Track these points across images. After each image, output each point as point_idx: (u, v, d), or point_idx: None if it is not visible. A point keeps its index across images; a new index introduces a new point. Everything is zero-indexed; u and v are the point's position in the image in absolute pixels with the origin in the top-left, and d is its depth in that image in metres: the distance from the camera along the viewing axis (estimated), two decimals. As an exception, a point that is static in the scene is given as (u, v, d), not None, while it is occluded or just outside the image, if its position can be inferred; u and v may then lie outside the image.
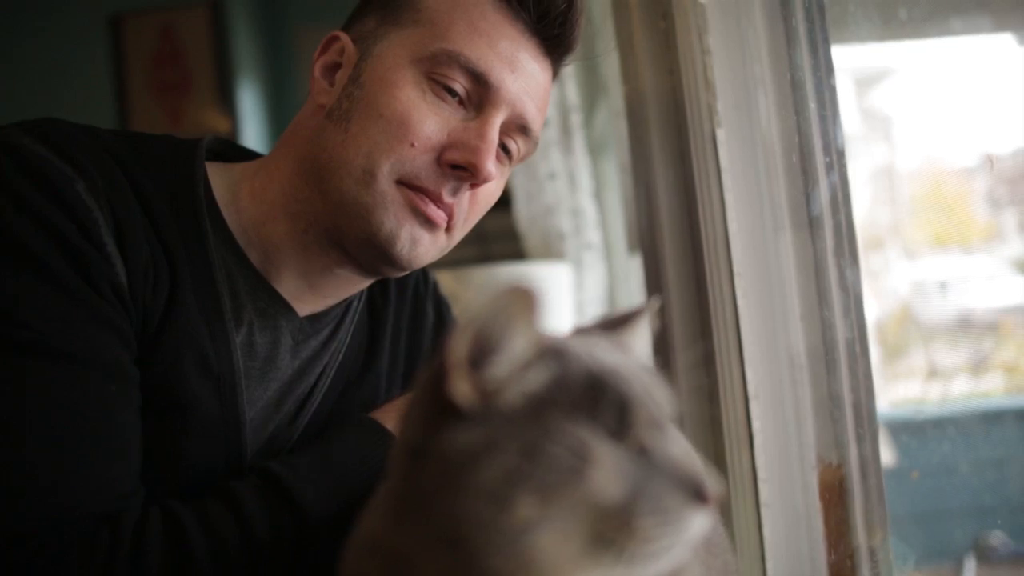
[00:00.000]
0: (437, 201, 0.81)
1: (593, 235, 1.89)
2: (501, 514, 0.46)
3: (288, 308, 0.86)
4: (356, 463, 0.78)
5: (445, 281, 1.15)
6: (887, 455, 1.09)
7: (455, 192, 0.82)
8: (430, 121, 0.80)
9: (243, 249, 0.84)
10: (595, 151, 2.07)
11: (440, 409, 0.50)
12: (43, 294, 0.68)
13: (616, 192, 1.99)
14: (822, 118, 0.88)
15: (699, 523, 0.49)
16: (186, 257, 0.78)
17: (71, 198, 0.71)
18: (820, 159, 0.88)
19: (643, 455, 0.49)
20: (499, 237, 2.02)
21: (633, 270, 1.87)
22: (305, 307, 0.89)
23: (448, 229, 0.84)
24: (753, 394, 0.91)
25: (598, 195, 2.02)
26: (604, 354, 0.52)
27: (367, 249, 0.82)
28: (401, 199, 0.80)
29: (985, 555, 1.18)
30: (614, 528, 0.47)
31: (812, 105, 0.88)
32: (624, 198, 1.59)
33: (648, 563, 0.48)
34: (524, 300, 0.49)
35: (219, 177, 0.86)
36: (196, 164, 0.83)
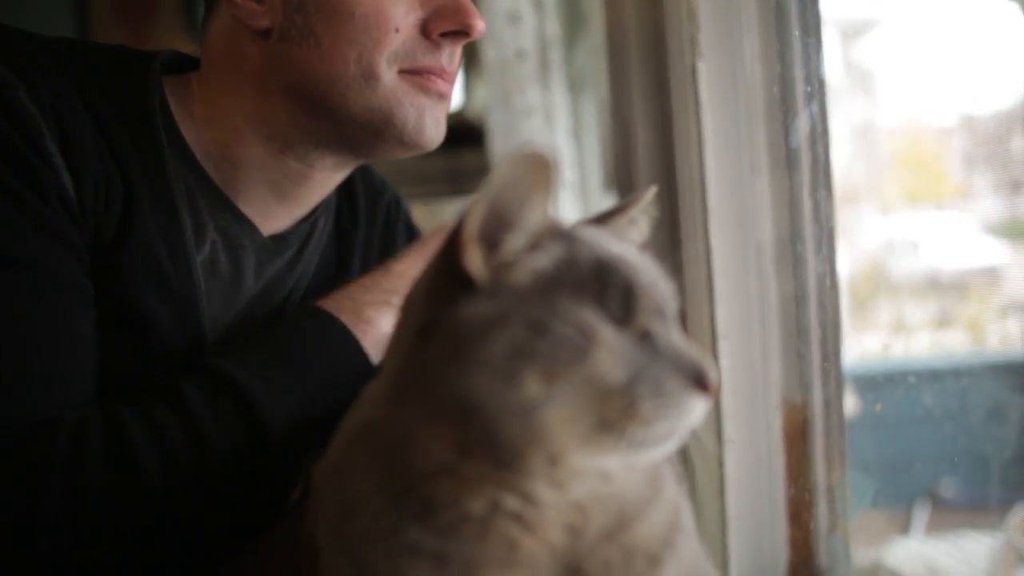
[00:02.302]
0: (442, 74, 0.80)
1: (569, 173, 1.87)
2: (509, 388, 0.47)
3: (252, 227, 0.84)
4: (311, 357, 0.75)
5: (418, 214, 1.12)
6: (850, 403, 1.10)
7: (452, 58, 0.81)
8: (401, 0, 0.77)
9: (203, 166, 0.81)
10: (574, 87, 2.04)
11: (452, 283, 0.50)
12: None
13: (594, 130, 1.95)
14: (805, 46, 0.85)
15: (699, 409, 0.50)
16: (141, 171, 0.75)
17: (13, 105, 0.68)
18: (801, 90, 0.86)
19: (646, 341, 0.50)
20: (474, 174, 1.99)
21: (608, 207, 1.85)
22: (270, 223, 0.86)
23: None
24: (722, 333, 0.91)
25: (576, 133, 1.99)
26: (611, 242, 0.53)
27: (394, 147, 0.81)
28: (410, 86, 0.78)
29: (938, 501, 1.21)
30: (616, 410, 0.48)
31: (796, 32, 0.86)
32: (602, 136, 1.57)
33: (648, 447, 0.49)
34: (540, 170, 0.49)
35: (176, 93, 0.82)
36: (151, 76, 0.79)
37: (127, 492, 0.65)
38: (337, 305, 0.79)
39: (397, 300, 0.77)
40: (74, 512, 0.64)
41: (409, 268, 0.82)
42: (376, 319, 0.78)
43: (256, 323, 0.85)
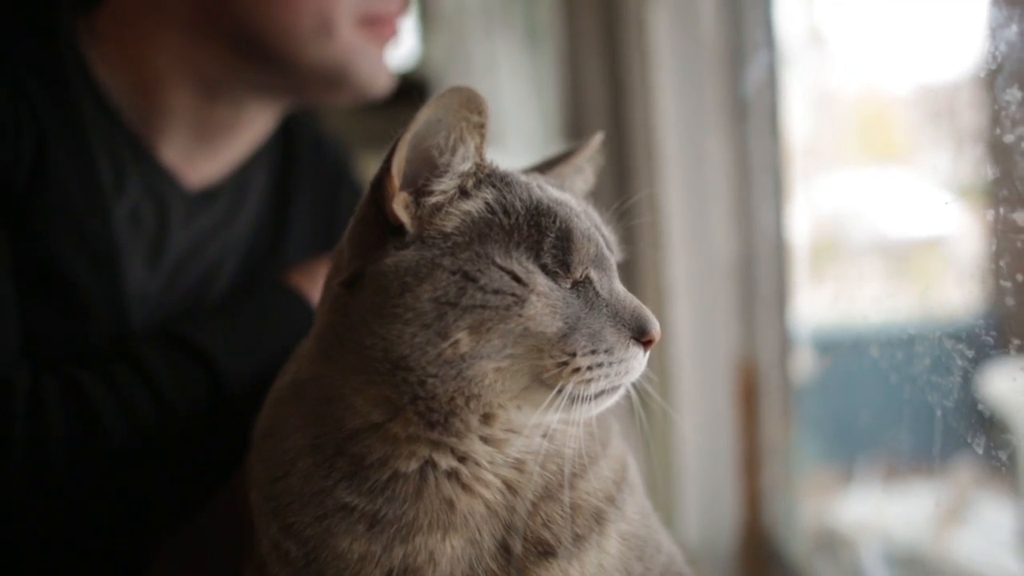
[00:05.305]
0: (396, 17, 0.78)
1: (530, 124, 1.83)
2: (438, 341, 0.45)
3: (173, 178, 0.79)
4: (267, 323, 0.73)
5: (372, 165, 1.06)
6: (800, 364, 1.10)
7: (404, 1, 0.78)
8: None
9: (122, 114, 0.76)
10: (534, 39, 1.99)
11: (378, 231, 0.47)
12: None
13: (550, 79, 1.91)
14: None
15: (640, 363, 0.48)
16: (56, 117, 0.70)
17: None
18: (754, 43, 0.84)
19: (584, 291, 0.47)
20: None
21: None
22: (196, 173, 0.81)
23: None
24: (673, 290, 0.89)
25: (537, 84, 1.94)
26: (549, 188, 0.50)
27: (344, 97, 0.79)
28: (366, 39, 0.76)
29: (884, 458, 1.23)
30: (553, 364, 0.45)
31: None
32: (558, 84, 1.54)
33: (587, 402, 0.47)
34: (468, 108, 0.45)
35: (90, 35, 0.76)
36: (60, 17, 0.74)
37: (91, 451, 0.64)
38: (289, 273, 0.78)
39: None
40: (38, 472, 0.62)
41: None
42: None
43: (187, 280, 0.81)
